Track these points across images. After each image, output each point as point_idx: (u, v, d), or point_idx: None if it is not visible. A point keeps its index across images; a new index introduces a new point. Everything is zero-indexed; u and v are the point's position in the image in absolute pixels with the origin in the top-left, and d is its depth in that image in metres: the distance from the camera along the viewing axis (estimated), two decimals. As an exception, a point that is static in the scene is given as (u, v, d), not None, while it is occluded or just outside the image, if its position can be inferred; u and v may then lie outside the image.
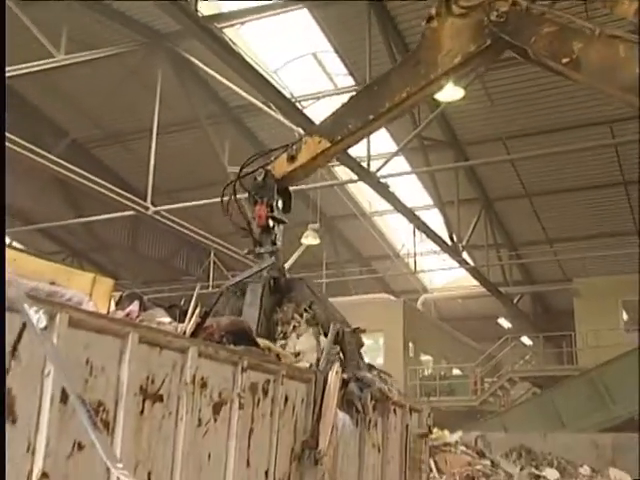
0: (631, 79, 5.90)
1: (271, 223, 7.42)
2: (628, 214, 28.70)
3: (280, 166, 7.62)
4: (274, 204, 7.50)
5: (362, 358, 6.98)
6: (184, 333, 5.11)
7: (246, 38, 20.57)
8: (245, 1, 18.28)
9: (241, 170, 7.79)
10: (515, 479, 13.53)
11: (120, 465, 3.67)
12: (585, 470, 15.47)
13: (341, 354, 6.57)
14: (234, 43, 18.34)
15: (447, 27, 6.83)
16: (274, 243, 7.39)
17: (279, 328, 6.93)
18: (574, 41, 6.18)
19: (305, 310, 6.92)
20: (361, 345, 7.04)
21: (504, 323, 39.34)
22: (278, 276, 7.22)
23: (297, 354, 6.50)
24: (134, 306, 5.40)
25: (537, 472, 14.33)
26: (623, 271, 30.11)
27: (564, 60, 6.21)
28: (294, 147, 7.60)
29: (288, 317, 6.87)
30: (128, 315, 5.12)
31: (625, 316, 31.25)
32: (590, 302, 31.02)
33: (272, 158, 7.92)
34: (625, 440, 17.81)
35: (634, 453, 16.59)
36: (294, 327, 6.85)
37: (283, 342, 6.71)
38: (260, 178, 7.54)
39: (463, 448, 14.60)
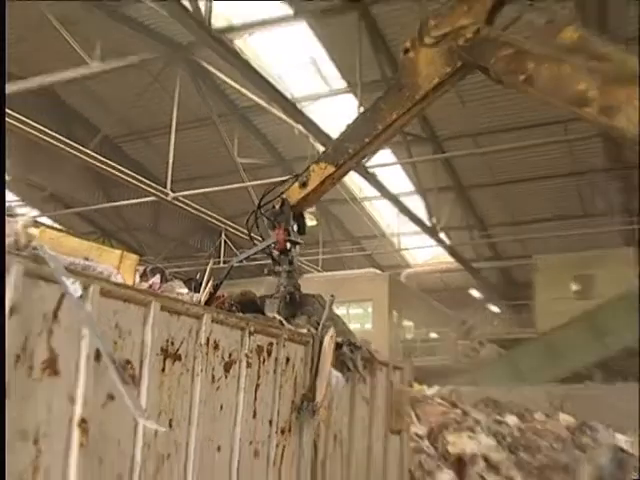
0: (573, 93, 5.85)
1: (288, 246, 7.29)
2: (578, 200, 28.75)
3: (293, 193, 7.48)
4: (290, 229, 7.37)
5: None
6: (199, 302, 5.11)
7: (253, 47, 20.61)
8: (252, 15, 18.33)
9: (261, 200, 7.59)
10: (482, 425, 13.55)
11: (145, 414, 3.68)
12: (539, 416, 15.52)
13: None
14: (242, 51, 18.34)
15: (422, 56, 6.79)
16: (291, 263, 7.26)
17: None
18: (527, 61, 6.13)
19: (316, 322, 6.88)
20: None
21: (475, 294, 39.40)
22: (293, 291, 7.09)
23: None
24: (156, 279, 5.38)
25: (500, 419, 14.35)
26: (574, 249, 30.15)
27: (520, 77, 6.15)
28: (304, 175, 7.48)
29: (301, 326, 6.82)
30: (151, 286, 5.11)
31: (575, 287, 31.29)
32: (547, 275, 31.07)
33: (286, 187, 7.73)
34: (573, 390, 17.96)
35: (580, 400, 16.73)
36: None
37: None
38: (278, 206, 7.39)
39: (439, 400, 14.65)
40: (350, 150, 7.29)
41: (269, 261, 7.40)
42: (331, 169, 7.35)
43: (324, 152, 7.82)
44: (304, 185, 7.44)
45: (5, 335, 3.18)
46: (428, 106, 7.35)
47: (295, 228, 7.46)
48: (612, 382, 23.03)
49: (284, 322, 5.97)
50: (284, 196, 7.46)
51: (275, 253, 7.29)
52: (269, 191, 7.64)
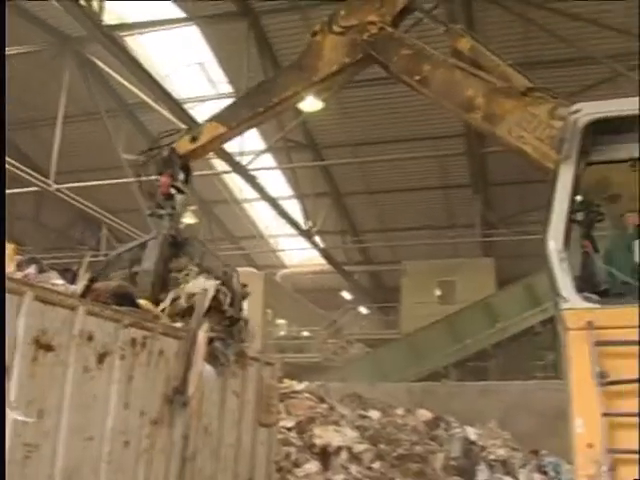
0: (463, 98, 6.19)
1: (173, 191, 7.38)
2: (445, 212, 29.82)
3: (183, 145, 7.60)
4: (176, 176, 7.48)
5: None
6: (75, 294, 4.99)
7: (143, 45, 20.21)
8: (144, 14, 18.00)
9: (152, 143, 7.79)
10: (347, 418, 13.81)
11: (13, 404, 3.57)
12: (400, 410, 15.96)
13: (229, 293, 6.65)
14: (133, 49, 17.94)
15: (328, 41, 7.00)
16: (174, 208, 7.37)
17: (176, 275, 6.88)
18: (424, 63, 6.46)
19: (197, 261, 6.96)
20: (246, 293, 7.07)
21: (346, 295, 40.00)
22: (175, 234, 7.20)
23: (192, 295, 6.52)
24: (32, 269, 5.21)
25: (364, 413, 14.69)
26: (439, 257, 31.22)
27: (416, 77, 6.47)
28: (196, 130, 7.64)
29: (182, 266, 6.88)
30: (26, 276, 4.94)
31: (438, 292, 32.38)
32: (413, 280, 31.97)
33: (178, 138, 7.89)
34: (430, 387, 18.57)
35: (437, 397, 17.35)
36: (187, 274, 6.82)
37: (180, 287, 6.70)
38: (166, 154, 7.51)
39: (308, 395, 14.80)
40: (244, 115, 7.47)
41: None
42: (222, 129, 7.51)
43: (219, 112, 7.89)
44: (194, 139, 7.57)
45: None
46: (323, 90, 7.58)
47: (181, 177, 7.57)
48: (464, 380, 24.08)
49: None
50: (173, 145, 7.56)
51: (159, 197, 7.33)
52: (162, 137, 7.77)
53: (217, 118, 7.65)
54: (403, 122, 22.58)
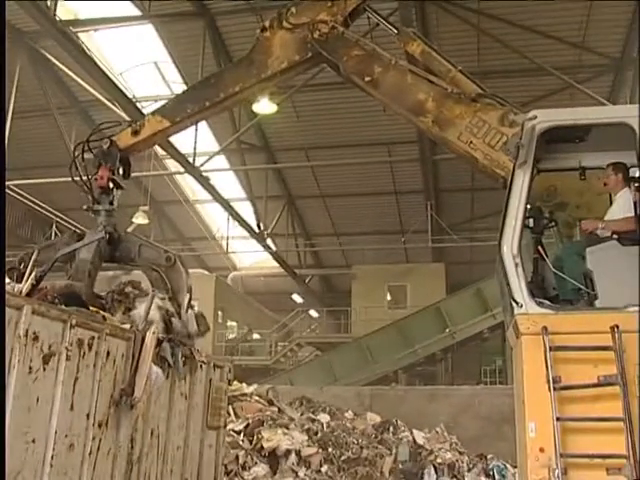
0: (413, 102, 6.21)
1: (111, 185, 7.17)
2: (397, 217, 30.07)
3: (124, 138, 7.38)
4: (115, 170, 7.26)
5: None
6: (20, 293, 4.88)
7: (98, 42, 19.91)
8: (99, 11, 17.75)
9: (91, 134, 7.46)
10: (296, 422, 13.81)
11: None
12: (349, 414, 16.01)
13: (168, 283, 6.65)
14: (87, 46, 17.65)
15: (277, 38, 6.93)
16: (111, 203, 7.17)
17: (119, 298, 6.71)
18: (375, 65, 6.45)
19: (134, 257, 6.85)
20: (189, 286, 7.02)
21: (297, 298, 40.02)
22: (112, 231, 6.99)
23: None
24: (-24, 267, 5.07)
25: (313, 416, 14.69)
26: (389, 261, 31.48)
27: (366, 79, 6.46)
28: (138, 123, 7.41)
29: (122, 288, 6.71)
30: (-31, 275, 4.81)
31: (389, 297, 32.63)
32: (364, 285, 32.18)
33: (118, 130, 7.68)
34: (380, 391, 18.68)
35: (385, 401, 17.48)
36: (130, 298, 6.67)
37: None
38: (106, 146, 7.25)
39: (257, 398, 14.75)
40: (189, 110, 7.27)
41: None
42: (166, 124, 7.32)
43: (163, 106, 7.71)
44: (136, 133, 7.36)
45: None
46: (271, 87, 7.48)
47: (120, 172, 7.35)
48: (414, 384, 24.32)
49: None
50: (114, 138, 7.32)
51: (96, 191, 7.13)
52: (99, 129, 7.55)
53: (160, 112, 7.46)
54: (357, 127, 22.71)
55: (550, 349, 4.83)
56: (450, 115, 5.99)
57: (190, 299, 6.77)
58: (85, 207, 7.21)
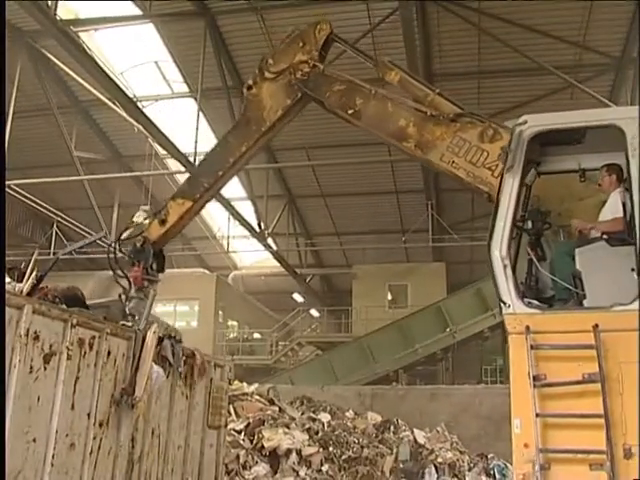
0: (395, 128, 6.32)
1: (145, 284, 7.09)
2: (397, 217, 30.05)
3: (154, 230, 7.37)
4: (149, 267, 7.20)
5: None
6: (21, 292, 4.88)
7: (98, 42, 19.94)
8: (100, 10, 17.75)
9: (121, 235, 7.45)
10: (296, 421, 13.81)
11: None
12: (350, 413, 16.03)
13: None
14: (87, 46, 17.66)
15: (264, 90, 7.04)
16: (145, 295, 7.03)
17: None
18: (357, 97, 6.57)
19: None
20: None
21: (298, 298, 39.99)
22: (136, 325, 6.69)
23: None
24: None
25: (314, 416, 14.69)
26: (390, 261, 31.46)
27: (349, 111, 6.59)
28: (162, 212, 7.41)
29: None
30: (-30, 274, 4.80)
31: (389, 296, 32.62)
32: (364, 284, 32.14)
33: (145, 224, 7.59)
34: (381, 390, 18.69)
35: (385, 400, 17.50)
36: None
37: None
38: (139, 244, 7.21)
39: (257, 397, 14.75)
40: (205, 184, 7.35)
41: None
42: (188, 204, 7.35)
43: (180, 188, 7.83)
44: (163, 222, 7.37)
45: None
46: (275, 135, 7.54)
47: (154, 266, 7.31)
48: (414, 384, 24.31)
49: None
50: (145, 234, 7.31)
51: (132, 290, 7.02)
52: (128, 228, 7.47)
53: (180, 195, 7.51)
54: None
55: (532, 347, 5.02)
56: (431, 137, 6.11)
57: None
58: (120, 294, 7.08)
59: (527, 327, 5.05)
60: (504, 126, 5.85)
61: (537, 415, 4.86)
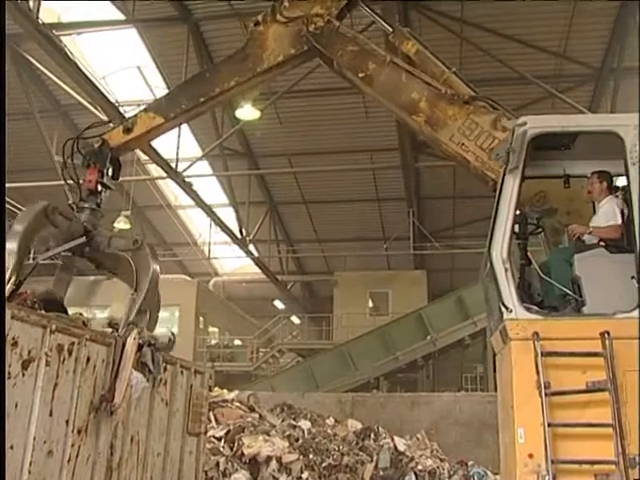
0: (406, 100, 6.17)
1: (99, 188, 6.96)
2: (379, 224, 30.12)
3: (116, 136, 7.14)
4: (105, 171, 7.03)
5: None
6: None
7: (81, 46, 19.81)
8: (82, 14, 17.68)
9: (83, 132, 7.21)
10: (277, 428, 13.76)
11: None
12: (330, 421, 15.99)
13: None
14: (69, 50, 17.53)
15: (272, 32, 6.83)
16: (98, 205, 6.97)
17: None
18: (370, 62, 6.40)
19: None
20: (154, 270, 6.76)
21: (279, 304, 39.97)
22: (90, 230, 6.84)
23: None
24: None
25: (294, 423, 14.64)
26: (371, 268, 31.52)
27: (360, 75, 6.41)
28: (130, 120, 7.16)
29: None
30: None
31: (370, 303, 32.66)
32: (345, 291, 32.17)
33: (109, 129, 7.40)
34: (361, 398, 18.67)
35: (366, 408, 17.48)
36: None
37: None
38: (97, 145, 7.00)
39: (238, 404, 14.68)
40: (183, 105, 7.09)
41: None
42: (160, 120, 7.11)
43: (155, 102, 7.63)
44: (128, 131, 7.12)
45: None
46: (267, 80, 7.31)
47: (110, 172, 7.11)
48: (395, 391, 24.31)
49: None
50: (105, 137, 7.08)
51: (85, 192, 6.91)
52: (92, 126, 7.27)
53: (154, 108, 7.25)
54: (339, 134, 22.76)
55: (542, 354, 4.81)
56: (443, 116, 5.99)
57: (153, 282, 6.57)
58: (70, 202, 7.00)
59: (536, 333, 4.86)
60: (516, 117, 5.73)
61: (549, 425, 4.67)
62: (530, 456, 4.70)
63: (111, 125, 7.54)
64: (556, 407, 4.76)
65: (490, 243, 5.21)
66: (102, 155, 7.01)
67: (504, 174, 5.36)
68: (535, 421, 4.72)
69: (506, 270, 5.10)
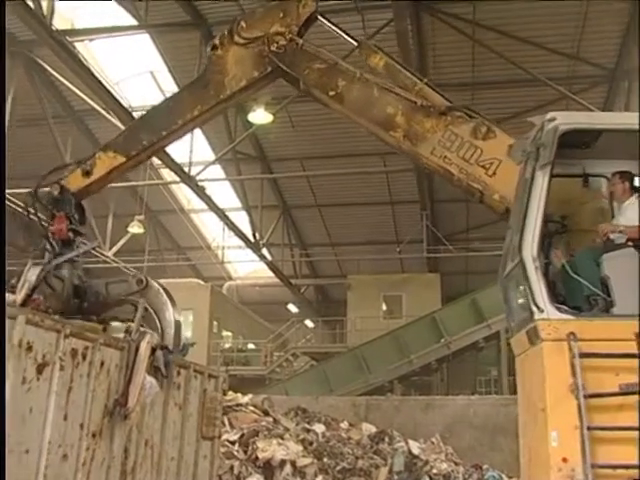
0: (381, 116, 5.97)
1: (71, 235, 6.65)
2: (392, 227, 30.07)
3: (75, 180, 6.77)
4: (72, 217, 6.70)
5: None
6: (14, 303, 4.86)
7: (94, 51, 19.94)
8: (95, 20, 17.77)
9: (38, 185, 6.81)
10: (291, 432, 13.76)
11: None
12: (345, 424, 15.96)
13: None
14: (83, 55, 17.69)
15: (231, 55, 6.57)
16: (77, 256, 6.69)
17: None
18: (339, 78, 6.16)
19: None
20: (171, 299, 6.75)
21: (292, 308, 39.97)
22: (78, 284, 6.60)
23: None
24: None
25: (308, 427, 14.63)
26: (385, 271, 31.46)
27: (330, 93, 6.19)
28: (88, 162, 6.75)
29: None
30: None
31: (384, 307, 32.59)
32: (359, 295, 32.13)
33: (66, 173, 6.98)
34: (375, 401, 18.60)
35: (380, 411, 17.41)
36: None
37: None
38: (57, 193, 6.66)
39: (252, 408, 14.69)
40: (145, 142, 6.71)
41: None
42: (121, 159, 6.72)
43: (114, 140, 7.00)
44: (87, 174, 6.74)
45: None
46: (231, 106, 7.07)
47: (76, 217, 6.74)
48: (409, 394, 24.23)
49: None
50: (62, 182, 6.71)
51: (57, 244, 6.58)
52: (48, 174, 6.86)
53: (112, 147, 6.79)
54: (352, 137, 22.71)
55: (579, 356, 4.64)
56: (421, 129, 5.82)
57: (174, 310, 6.49)
58: (47, 261, 6.58)
59: (572, 334, 4.67)
60: (495, 124, 5.62)
61: (589, 428, 4.49)
62: (564, 460, 4.55)
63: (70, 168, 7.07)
64: (590, 410, 4.61)
65: (520, 241, 4.99)
66: (64, 202, 6.69)
67: (534, 170, 5.11)
68: (569, 424, 4.56)
69: (537, 269, 4.91)
